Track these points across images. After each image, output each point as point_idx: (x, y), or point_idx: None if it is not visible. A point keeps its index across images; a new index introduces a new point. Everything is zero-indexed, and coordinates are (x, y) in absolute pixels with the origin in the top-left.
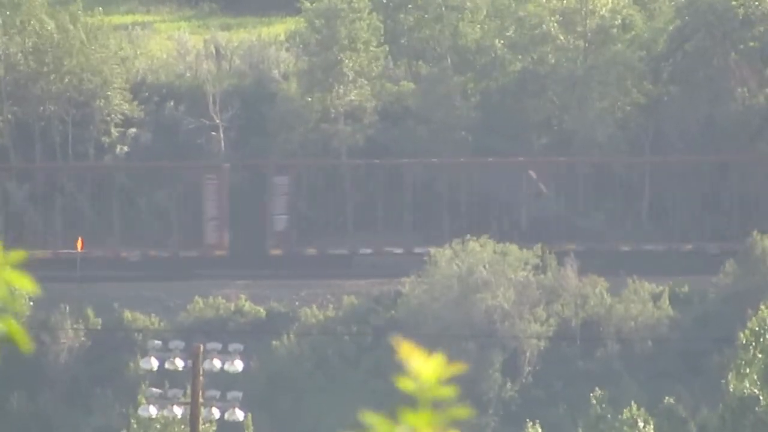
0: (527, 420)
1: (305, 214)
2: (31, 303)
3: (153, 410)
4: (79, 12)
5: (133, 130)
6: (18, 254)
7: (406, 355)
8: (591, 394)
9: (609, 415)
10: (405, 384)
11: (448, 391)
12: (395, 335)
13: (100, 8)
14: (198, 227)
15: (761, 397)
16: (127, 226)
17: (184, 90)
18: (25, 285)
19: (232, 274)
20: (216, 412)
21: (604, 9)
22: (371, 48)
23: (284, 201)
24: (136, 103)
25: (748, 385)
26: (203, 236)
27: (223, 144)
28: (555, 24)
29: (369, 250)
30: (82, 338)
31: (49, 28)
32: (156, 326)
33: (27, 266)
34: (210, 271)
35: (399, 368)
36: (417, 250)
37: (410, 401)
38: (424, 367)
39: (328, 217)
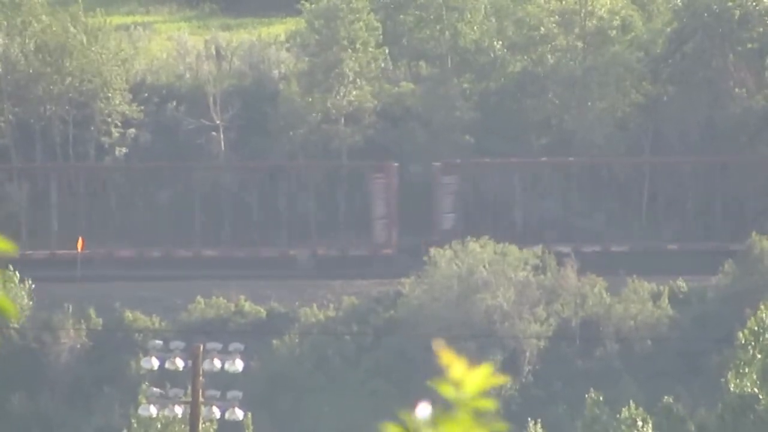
0: (527, 419)
1: (472, 213)
2: (32, 303)
3: (153, 410)
4: (80, 13)
5: (132, 130)
6: None
7: (448, 361)
8: (586, 396)
9: (605, 416)
10: (446, 391)
11: (489, 404)
12: (395, 335)
13: (102, 9)
14: (368, 225)
15: (761, 396)
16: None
17: (185, 90)
18: None
19: (397, 272)
20: (216, 412)
21: (602, 10)
22: (370, 48)
23: (451, 200)
24: (136, 104)
25: (748, 384)
26: (372, 235)
27: (223, 144)
28: (554, 25)
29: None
30: (84, 338)
31: (50, 29)
32: (157, 326)
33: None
34: (376, 270)
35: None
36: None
37: (438, 406)
38: (468, 377)
39: (494, 216)
